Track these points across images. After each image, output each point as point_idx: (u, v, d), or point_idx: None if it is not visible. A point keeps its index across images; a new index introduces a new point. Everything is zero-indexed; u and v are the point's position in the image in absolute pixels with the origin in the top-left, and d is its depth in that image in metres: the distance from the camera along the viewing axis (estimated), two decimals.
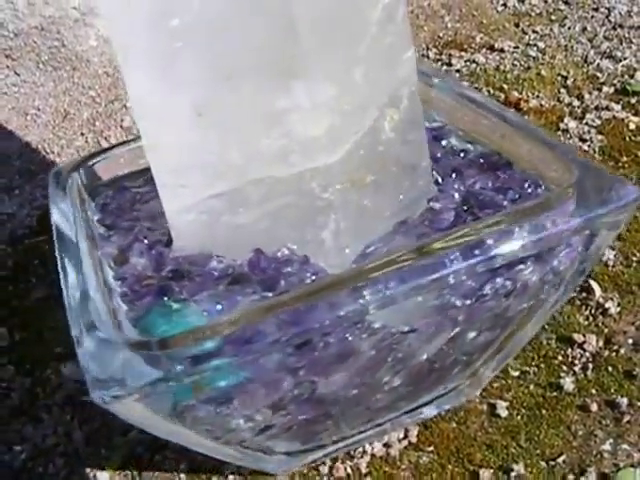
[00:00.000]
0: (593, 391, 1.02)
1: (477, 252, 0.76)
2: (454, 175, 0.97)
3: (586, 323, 1.12)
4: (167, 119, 0.82)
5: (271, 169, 0.82)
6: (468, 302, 0.81)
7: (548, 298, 0.91)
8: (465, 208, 0.91)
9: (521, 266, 0.81)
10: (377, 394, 0.91)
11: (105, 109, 1.63)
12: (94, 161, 1.05)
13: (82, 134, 1.60)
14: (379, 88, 0.86)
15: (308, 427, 0.90)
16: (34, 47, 1.65)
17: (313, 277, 0.82)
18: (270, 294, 0.79)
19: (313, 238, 0.85)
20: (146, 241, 0.89)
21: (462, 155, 1.00)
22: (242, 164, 0.82)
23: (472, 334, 0.89)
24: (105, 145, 1.58)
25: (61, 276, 0.82)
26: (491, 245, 0.77)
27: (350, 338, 0.75)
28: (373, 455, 0.99)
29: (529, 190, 0.93)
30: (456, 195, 0.94)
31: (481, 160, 0.99)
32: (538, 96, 1.58)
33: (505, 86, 1.63)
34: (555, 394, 1.03)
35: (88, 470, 1.03)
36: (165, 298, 0.80)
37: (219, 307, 0.78)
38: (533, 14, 1.85)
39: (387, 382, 0.88)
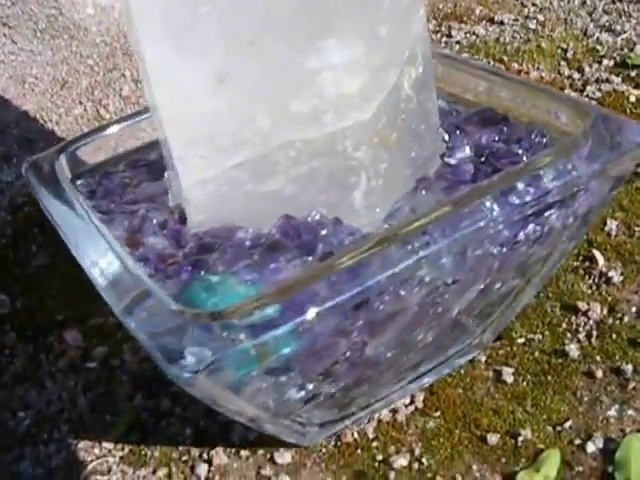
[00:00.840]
0: (598, 358, 1.03)
1: (513, 199, 0.79)
2: (458, 132, 0.97)
3: (589, 292, 1.12)
4: (186, 87, 0.81)
5: (302, 131, 0.81)
6: (504, 250, 0.83)
7: (561, 246, 0.93)
8: (481, 160, 0.92)
9: (549, 211, 0.83)
10: (410, 353, 0.91)
11: (103, 78, 1.61)
12: (71, 149, 1.02)
13: (80, 103, 1.58)
14: (400, 45, 0.86)
15: (347, 393, 0.89)
16: (31, 15, 1.63)
17: (350, 237, 0.81)
18: (310, 258, 0.79)
19: (342, 200, 0.84)
20: (155, 220, 0.88)
21: (456, 114, 1.00)
22: (269, 129, 0.81)
23: (498, 284, 0.90)
24: (103, 113, 1.56)
25: (80, 259, 0.81)
26: (523, 191, 0.80)
27: (403, 294, 0.75)
28: (380, 420, 0.99)
29: (537, 139, 0.94)
30: (467, 149, 0.95)
31: (477, 117, 1.00)
32: (538, 68, 1.57)
33: (505, 58, 1.62)
34: (560, 361, 1.03)
35: (93, 436, 1.02)
36: (202, 272, 0.78)
37: (261, 275, 0.77)
38: None
39: (421, 339, 0.88)
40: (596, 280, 1.13)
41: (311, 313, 0.68)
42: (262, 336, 0.66)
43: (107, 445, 1.01)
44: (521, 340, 1.06)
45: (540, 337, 1.06)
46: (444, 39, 1.72)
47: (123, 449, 1.00)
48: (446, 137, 0.97)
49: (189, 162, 0.84)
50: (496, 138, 0.96)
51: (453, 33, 1.73)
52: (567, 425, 0.95)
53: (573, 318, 1.08)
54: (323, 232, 0.83)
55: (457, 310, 0.90)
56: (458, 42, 1.69)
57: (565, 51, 1.62)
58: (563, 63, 1.59)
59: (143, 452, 0.99)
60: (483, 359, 1.04)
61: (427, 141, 0.93)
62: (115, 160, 1.04)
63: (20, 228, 1.35)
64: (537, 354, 1.04)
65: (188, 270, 0.79)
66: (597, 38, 1.66)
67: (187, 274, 0.79)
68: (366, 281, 0.71)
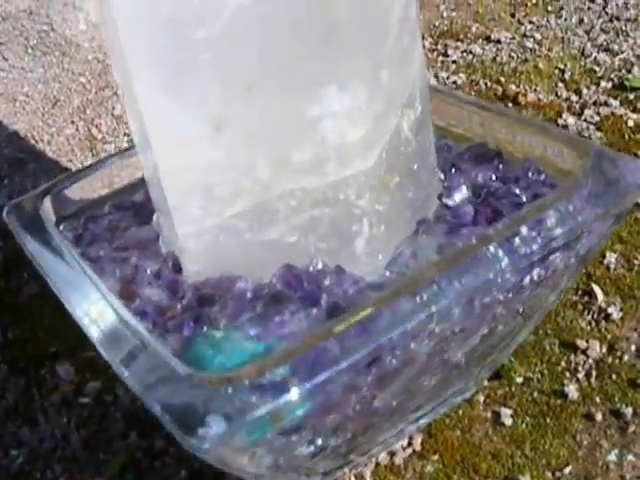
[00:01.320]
0: (597, 399, 1.02)
1: (520, 248, 0.79)
2: (453, 170, 0.97)
3: (589, 328, 1.11)
4: (183, 135, 0.79)
5: (303, 180, 0.80)
6: (510, 295, 0.82)
7: (562, 284, 0.94)
8: (480, 201, 0.92)
9: (553, 255, 0.83)
10: (415, 398, 0.90)
11: (96, 96, 1.60)
12: (54, 191, 1.00)
13: (72, 122, 1.57)
14: (400, 88, 0.85)
15: (351, 442, 0.89)
16: (22, 31, 1.62)
17: (355, 286, 0.81)
18: (315, 310, 0.78)
19: (344, 247, 0.84)
20: (149, 270, 0.86)
21: (447, 149, 1.00)
22: (270, 178, 0.80)
23: (500, 327, 0.90)
24: (95, 133, 1.54)
25: (72, 311, 0.80)
26: (529, 239, 0.80)
27: (413, 347, 0.75)
28: (377, 464, 0.98)
29: (534, 177, 0.94)
30: (464, 189, 0.94)
31: (469, 153, 1.00)
32: (536, 90, 1.57)
33: (502, 79, 1.61)
34: (559, 402, 1.03)
35: (87, 476, 1.01)
36: (204, 327, 0.77)
37: (266, 330, 0.76)
38: (529, 4, 1.83)
39: (426, 385, 0.88)
40: (595, 316, 1.13)
41: (324, 375, 0.67)
42: (277, 401, 0.65)
43: None
44: (520, 380, 1.06)
45: (539, 376, 1.06)
46: (440, 58, 1.71)
47: None
48: (442, 176, 0.96)
49: (185, 212, 0.83)
50: (492, 176, 0.96)
51: (449, 52, 1.72)
52: (567, 471, 0.95)
53: (572, 356, 1.08)
54: (326, 282, 0.82)
55: (460, 355, 0.90)
56: (455, 61, 1.68)
57: (563, 72, 1.62)
58: (561, 85, 1.58)
59: None
60: (481, 399, 1.04)
61: (424, 181, 0.92)
62: (99, 202, 1.02)
63: (11, 255, 1.34)
64: (536, 394, 1.04)
65: (190, 325, 0.78)
66: (595, 58, 1.65)
67: (189, 329, 0.78)
68: (378, 339, 0.70)
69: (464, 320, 0.80)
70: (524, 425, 1.00)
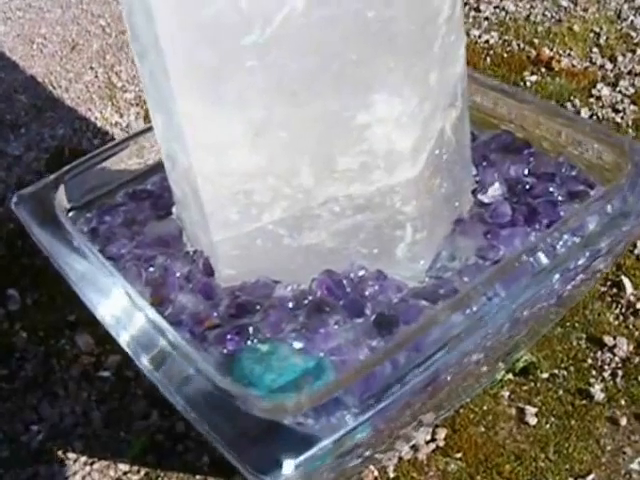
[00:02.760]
0: (622, 402, 1.02)
1: (570, 261, 0.80)
2: (484, 163, 0.95)
3: (616, 323, 1.11)
4: (222, 141, 0.77)
5: (348, 188, 0.79)
6: (553, 301, 0.84)
7: (595, 279, 0.97)
8: (515, 200, 0.90)
9: (597, 261, 0.83)
10: (453, 400, 0.92)
11: (115, 40, 1.55)
12: (64, 180, 0.98)
13: (91, 68, 1.53)
14: (446, 89, 0.83)
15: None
16: None
17: (398, 294, 0.80)
18: (360, 320, 0.78)
19: (384, 252, 0.83)
20: (178, 273, 0.85)
21: (472, 137, 0.98)
22: (313, 185, 0.78)
23: (537, 326, 0.93)
24: (115, 81, 1.51)
25: (94, 311, 0.79)
26: (576, 248, 0.81)
27: (466, 361, 0.76)
28: (400, 458, 0.98)
29: (567, 173, 0.93)
30: (498, 185, 0.93)
31: (495, 143, 0.99)
32: (569, 54, 1.53)
33: (536, 40, 1.57)
34: (584, 402, 1.02)
35: (108, 455, 1.01)
36: (248, 340, 0.76)
37: (312, 343, 0.75)
38: None
39: (464, 386, 0.90)
40: (623, 310, 1.12)
41: (386, 402, 0.68)
42: (341, 432, 0.66)
43: (123, 467, 1.01)
44: (545, 375, 1.05)
45: (565, 373, 1.05)
46: (472, 13, 1.66)
47: (139, 472, 1.00)
48: (473, 170, 0.94)
49: (222, 217, 0.82)
50: (525, 171, 0.95)
51: (482, 7, 1.67)
52: (589, 478, 0.95)
53: (599, 353, 1.07)
54: (369, 289, 0.81)
55: (498, 357, 0.90)
56: (487, 18, 1.64)
57: (598, 35, 1.57)
58: (595, 50, 1.54)
59: (159, 478, 0.98)
60: (506, 395, 1.04)
61: (460, 177, 0.91)
62: (112, 190, 1.00)
63: None
64: (561, 392, 1.04)
65: (234, 339, 0.77)
66: (631, 22, 1.61)
67: (233, 344, 0.77)
68: (436, 363, 0.71)
69: (512, 330, 0.81)
70: (548, 425, 1.00)
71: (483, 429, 1.01)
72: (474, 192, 0.93)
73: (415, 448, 0.99)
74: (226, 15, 0.71)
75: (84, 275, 0.88)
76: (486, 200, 0.92)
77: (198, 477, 0.99)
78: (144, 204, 0.98)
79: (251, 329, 0.78)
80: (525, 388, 1.05)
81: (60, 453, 1.03)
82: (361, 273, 0.83)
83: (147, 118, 1.48)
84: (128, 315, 0.80)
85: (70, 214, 0.98)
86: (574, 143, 0.95)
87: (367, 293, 0.81)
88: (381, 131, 0.77)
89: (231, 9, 0.70)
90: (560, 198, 0.90)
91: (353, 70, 0.74)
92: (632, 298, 1.13)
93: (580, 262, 0.80)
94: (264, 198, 0.80)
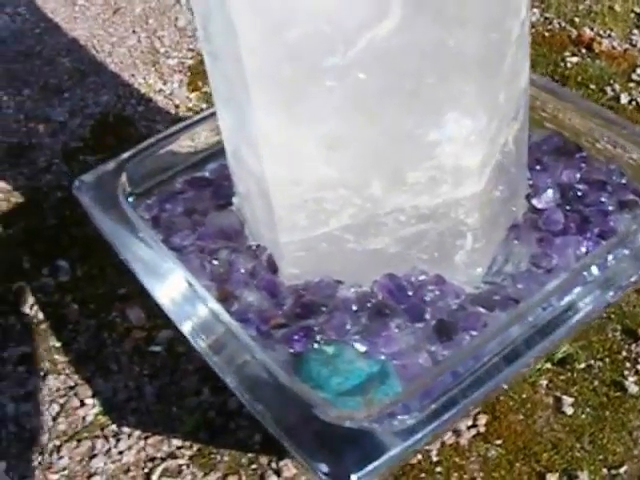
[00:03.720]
0: None
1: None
2: (538, 167, 0.99)
3: None
4: (296, 153, 0.81)
5: (415, 199, 0.83)
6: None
7: None
8: (568, 207, 0.95)
9: None
10: None
11: (158, 4, 1.57)
12: (126, 167, 1.03)
13: (134, 32, 1.55)
14: (511, 104, 0.87)
15: None
16: None
17: (456, 300, 0.85)
18: (420, 325, 0.84)
19: (444, 258, 0.88)
20: (243, 269, 0.89)
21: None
22: (381, 196, 0.83)
23: None
24: (158, 46, 1.53)
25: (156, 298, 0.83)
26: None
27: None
28: (443, 443, 1.04)
29: (617, 181, 0.97)
30: (551, 192, 0.97)
31: (546, 145, 1.04)
32: (610, 35, 1.55)
33: (577, 19, 1.59)
34: (619, 394, 1.08)
35: (161, 429, 1.07)
36: (315, 342, 0.81)
37: (375, 346, 0.80)
38: None
39: None
40: None
41: (449, 414, 0.74)
42: (409, 441, 0.72)
43: (176, 442, 1.06)
44: (582, 366, 1.10)
45: (600, 364, 1.10)
46: None
47: (192, 447, 1.05)
48: (528, 174, 0.98)
49: (291, 222, 0.86)
50: (577, 176, 0.99)
51: None
52: (622, 470, 1.00)
53: (633, 346, 1.12)
54: (429, 295, 0.86)
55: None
56: None
57: (638, 16, 1.59)
58: (635, 31, 1.56)
59: (212, 455, 1.04)
60: (544, 383, 1.09)
61: (517, 182, 0.95)
62: (172, 176, 1.04)
63: None
64: (597, 383, 1.09)
65: (301, 340, 0.82)
66: None
67: (300, 345, 0.82)
68: (498, 376, 0.77)
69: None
70: (584, 416, 1.06)
71: (522, 417, 1.06)
72: (528, 197, 0.97)
73: (457, 433, 1.05)
74: (310, 38, 0.74)
75: (148, 264, 0.92)
76: (540, 206, 0.96)
77: (250, 455, 1.04)
78: (204, 193, 1.03)
79: (317, 330, 0.83)
80: (562, 378, 1.10)
81: (114, 427, 1.08)
82: (422, 277, 0.87)
83: (190, 85, 1.51)
84: (194, 308, 0.84)
85: (130, 199, 1.02)
86: (621, 148, 0.99)
87: (427, 298, 0.86)
88: (450, 148, 0.81)
89: (315, 33, 0.74)
90: (610, 207, 0.94)
91: (427, 91, 0.78)
92: None
93: (633, 279, 0.84)
94: (333, 206, 0.84)
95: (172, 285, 0.89)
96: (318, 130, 0.79)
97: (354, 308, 0.86)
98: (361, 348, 0.83)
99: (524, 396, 1.08)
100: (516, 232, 0.94)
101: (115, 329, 1.18)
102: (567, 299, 0.83)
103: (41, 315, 1.20)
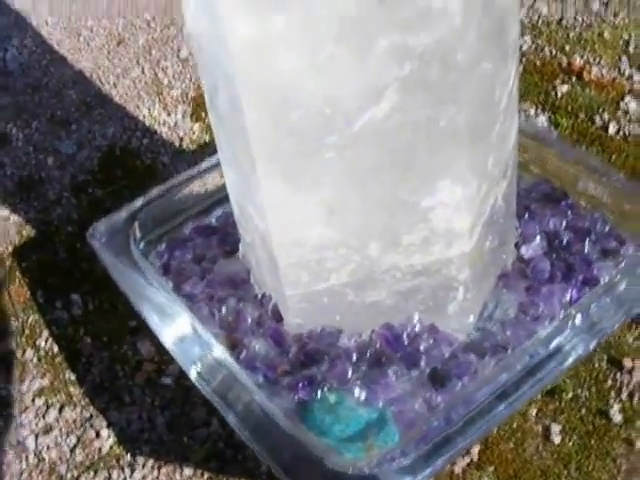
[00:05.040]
0: (638, 424, 1.16)
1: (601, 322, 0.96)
2: (527, 215, 1.09)
3: (635, 345, 1.25)
4: (299, 217, 0.90)
5: (409, 258, 0.92)
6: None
7: None
8: (554, 254, 1.04)
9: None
10: None
11: (161, 35, 1.65)
12: (137, 216, 1.13)
13: (138, 63, 1.63)
14: (500, 166, 0.96)
15: None
16: None
17: (449, 348, 0.95)
18: (416, 372, 0.93)
19: (438, 309, 0.97)
20: (250, 318, 0.98)
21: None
22: (378, 255, 0.92)
23: None
24: (162, 77, 1.61)
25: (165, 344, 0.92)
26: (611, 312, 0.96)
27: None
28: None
29: (601, 229, 1.07)
30: (539, 239, 1.06)
31: (535, 192, 1.13)
32: (599, 62, 1.64)
33: (567, 47, 1.68)
34: (604, 422, 1.17)
35: (173, 458, 1.16)
36: (318, 391, 0.90)
37: (374, 394, 0.90)
38: None
39: None
40: None
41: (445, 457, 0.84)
42: None
43: (187, 472, 1.15)
44: (569, 395, 1.20)
45: (587, 394, 1.20)
46: None
47: (203, 476, 1.14)
48: (517, 223, 1.08)
49: (294, 278, 0.95)
50: (563, 224, 1.07)
51: None
52: None
53: (618, 375, 1.22)
54: (424, 344, 0.95)
55: None
56: (520, 21, 1.73)
57: (627, 43, 1.68)
58: (624, 58, 1.65)
59: None
60: (534, 412, 1.18)
61: (505, 232, 1.04)
62: (181, 222, 1.13)
63: (86, 214, 1.44)
64: (583, 412, 1.18)
65: (305, 388, 0.91)
66: None
67: (304, 392, 0.91)
68: (492, 420, 0.87)
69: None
70: (571, 444, 1.15)
71: (513, 445, 1.16)
72: (516, 245, 1.06)
73: (452, 462, 1.14)
74: (312, 118, 0.82)
75: (159, 312, 1.01)
76: (527, 255, 1.05)
77: None
78: (211, 240, 1.12)
79: (320, 378, 0.93)
80: (551, 407, 1.20)
81: (129, 457, 1.17)
82: (417, 327, 0.97)
83: (194, 115, 1.59)
84: (205, 358, 0.94)
85: (142, 245, 1.11)
86: (605, 196, 1.08)
87: (422, 347, 0.96)
88: (443, 213, 0.89)
89: (316, 113, 0.82)
90: (594, 256, 1.03)
91: (420, 163, 0.86)
92: None
93: (616, 325, 0.94)
94: (334, 264, 0.93)
95: (182, 331, 0.99)
96: (319, 197, 0.88)
97: (354, 357, 0.95)
98: (361, 395, 0.92)
99: (515, 425, 1.18)
100: (505, 280, 1.04)
101: (127, 362, 1.27)
102: (554, 345, 0.93)
103: (56, 348, 1.29)
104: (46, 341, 1.30)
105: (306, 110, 0.82)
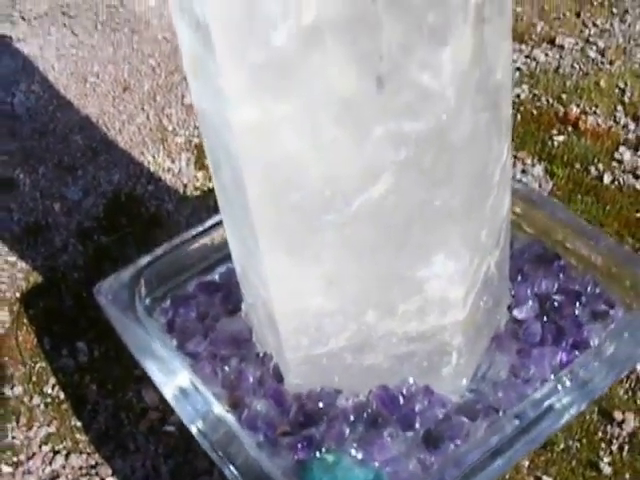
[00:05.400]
0: (627, 476, 1.21)
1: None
2: (519, 277, 1.13)
3: (626, 397, 1.29)
4: (299, 288, 0.95)
5: (405, 325, 0.97)
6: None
7: None
8: (545, 317, 1.09)
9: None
10: None
11: (165, 81, 1.71)
12: (143, 274, 1.18)
13: (143, 109, 1.68)
14: (493, 236, 1.01)
15: None
16: (91, 5, 1.71)
17: (442, 409, 1.00)
18: (410, 433, 0.98)
19: (432, 371, 1.03)
20: (251, 378, 1.03)
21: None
22: (375, 323, 0.97)
23: None
24: (166, 124, 1.67)
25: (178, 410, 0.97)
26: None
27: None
28: None
29: (592, 291, 1.12)
30: (531, 302, 1.11)
31: (528, 253, 1.18)
32: (595, 112, 1.69)
33: (564, 96, 1.73)
34: (594, 474, 1.22)
35: None
36: (317, 451, 0.95)
37: (371, 455, 0.95)
38: (595, 3, 1.92)
39: None
40: (632, 385, 1.30)
41: None
42: None
43: None
44: (561, 447, 1.24)
45: (578, 445, 1.25)
46: None
47: None
48: (510, 284, 1.13)
49: (295, 343, 1.00)
50: (555, 286, 1.12)
51: (514, 57, 1.82)
52: None
53: (609, 427, 1.26)
54: (418, 405, 1.00)
55: None
56: (518, 69, 1.79)
57: (623, 91, 1.73)
58: (620, 108, 1.70)
59: None
60: (526, 464, 1.23)
61: (499, 295, 1.09)
62: (185, 279, 1.19)
63: (91, 261, 1.49)
64: (574, 464, 1.23)
65: (305, 449, 0.96)
66: None
67: (304, 453, 0.96)
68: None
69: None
70: None
71: None
72: (509, 307, 1.11)
73: None
74: (312, 198, 0.88)
75: (162, 369, 1.06)
76: (520, 317, 1.10)
77: None
78: (215, 298, 1.17)
79: (318, 438, 0.98)
80: (542, 459, 1.24)
81: None
82: (412, 389, 1.02)
83: (197, 163, 1.64)
84: (207, 417, 0.99)
85: (147, 302, 1.17)
86: (595, 258, 1.14)
87: (417, 409, 1.00)
88: (437, 284, 0.94)
89: (316, 195, 0.87)
90: (584, 319, 1.09)
91: (415, 240, 0.91)
92: None
93: (605, 388, 0.99)
94: (332, 330, 0.98)
95: (184, 387, 1.04)
96: (319, 270, 0.93)
97: (351, 417, 1.00)
98: (358, 455, 0.97)
99: (507, 477, 1.22)
100: (498, 342, 1.09)
101: (132, 409, 1.32)
102: (545, 407, 0.98)
103: (62, 395, 1.34)
104: (53, 388, 1.35)
105: (307, 191, 0.87)
